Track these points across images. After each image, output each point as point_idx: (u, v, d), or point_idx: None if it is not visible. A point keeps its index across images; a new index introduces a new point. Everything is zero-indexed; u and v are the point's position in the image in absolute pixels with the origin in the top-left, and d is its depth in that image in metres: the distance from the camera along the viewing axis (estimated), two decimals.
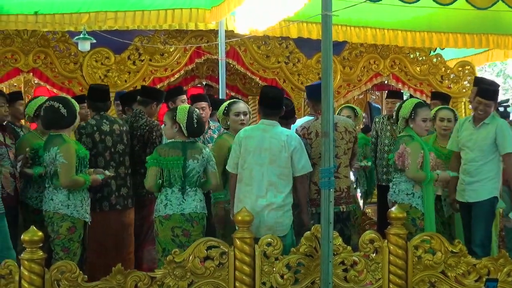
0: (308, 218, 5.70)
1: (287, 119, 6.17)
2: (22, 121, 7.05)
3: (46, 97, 6.34)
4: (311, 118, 6.41)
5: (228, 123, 6.23)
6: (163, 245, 5.49)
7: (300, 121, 6.68)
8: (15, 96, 6.89)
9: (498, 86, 6.88)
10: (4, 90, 10.23)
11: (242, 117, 6.17)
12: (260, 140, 5.46)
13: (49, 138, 5.66)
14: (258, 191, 5.39)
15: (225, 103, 6.31)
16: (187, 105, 5.91)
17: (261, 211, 5.34)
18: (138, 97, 7.05)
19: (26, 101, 6.89)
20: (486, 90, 6.40)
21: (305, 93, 9.01)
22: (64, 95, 8.17)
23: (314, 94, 5.94)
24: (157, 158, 5.51)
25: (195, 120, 5.55)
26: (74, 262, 5.21)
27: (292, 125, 6.43)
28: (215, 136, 6.84)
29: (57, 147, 5.50)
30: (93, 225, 5.91)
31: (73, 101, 5.78)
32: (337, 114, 7.54)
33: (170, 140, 5.71)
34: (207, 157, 5.57)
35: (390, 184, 6.21)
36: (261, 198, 5.36)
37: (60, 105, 5.59)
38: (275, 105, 5.57)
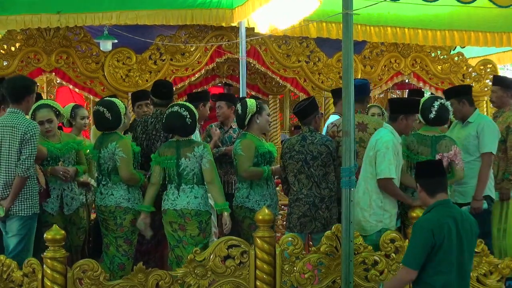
0: None
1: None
2: None
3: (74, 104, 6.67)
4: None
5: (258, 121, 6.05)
6: (168, 239, 5.69)
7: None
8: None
9: None
10: None
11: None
12: None
13: (104, 136, 5.85)
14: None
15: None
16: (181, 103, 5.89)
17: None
18: (156, 99, 6.56)
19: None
20: None
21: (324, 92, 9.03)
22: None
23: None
24: (156, 157, 5.70)
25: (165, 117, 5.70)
26: (132, 252, 5.73)
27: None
28: (234, 135, 6.80)
29: (115, 142, 5.71)
30: None
31: (119, 103, 5.90)
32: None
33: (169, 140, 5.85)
34: (200, 154, 5.58)
35: None
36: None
37: (104, 109, 5.77)
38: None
